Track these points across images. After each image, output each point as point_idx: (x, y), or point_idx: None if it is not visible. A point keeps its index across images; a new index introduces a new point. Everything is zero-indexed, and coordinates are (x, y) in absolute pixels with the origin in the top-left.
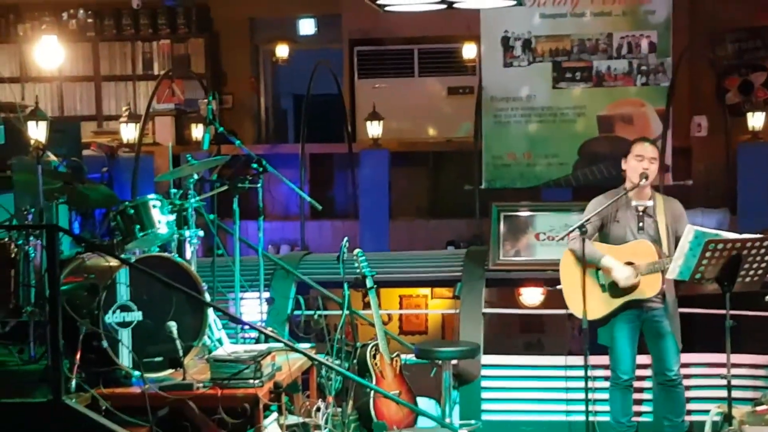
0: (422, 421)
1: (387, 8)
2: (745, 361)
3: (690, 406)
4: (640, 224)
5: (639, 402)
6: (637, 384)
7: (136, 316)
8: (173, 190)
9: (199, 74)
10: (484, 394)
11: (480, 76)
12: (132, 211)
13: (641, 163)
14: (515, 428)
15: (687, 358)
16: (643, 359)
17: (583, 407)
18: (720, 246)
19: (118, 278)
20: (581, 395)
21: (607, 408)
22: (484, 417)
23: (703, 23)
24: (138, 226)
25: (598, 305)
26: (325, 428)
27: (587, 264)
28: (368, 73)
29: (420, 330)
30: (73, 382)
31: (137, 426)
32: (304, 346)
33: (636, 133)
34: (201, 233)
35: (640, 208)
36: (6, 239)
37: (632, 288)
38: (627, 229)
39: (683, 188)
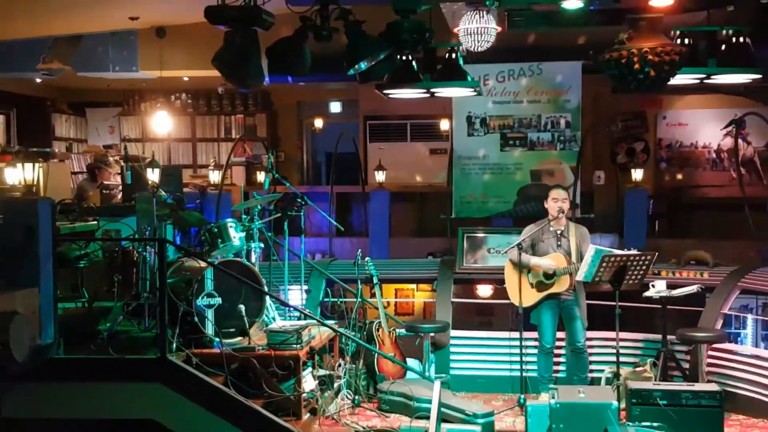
0: (410, 375)
1: (390, 96)
2: (629, 336)
3: (591, 367)
4: (558, 243)
5: (557, 363)
6: (555, 351)
7: (217, 300)
8: (244, 216)
9: (262, 138)
10: (452, 356)
11: (452, 141)
12: (216, 230)
13: (557, 203)
14: (473, 380)
15: (590, 334)
16: (561, 334)
17: (518, 366)
18: (612, 259)
19: (205, 275)
20: (518, 357)
21: (535, 367)
22: (452, 372)
23: (602, 109)
24: (219, 240)
25: (529, 297)
26: (344, 379)
27: (522, 268)
28: (376, 138)
29: (409, 312)
30: (174, 345)
31: (217, 375)
32: (330, 322)
33: (556, 181)
34: (262, 245)
35: (558, 232)
36: (131, 248)
37: (552, 283)
38: (549, 246)
39: (587, 219)
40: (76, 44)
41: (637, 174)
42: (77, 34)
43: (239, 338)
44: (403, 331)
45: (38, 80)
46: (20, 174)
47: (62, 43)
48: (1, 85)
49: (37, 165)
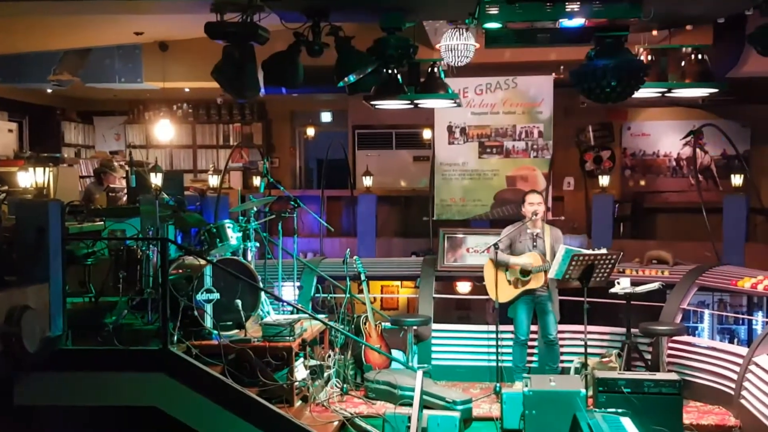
0: (394, 365)
1: (377, 107)
2: (596, 330)
3: (562, 358)
4: (534, 243)
5: (530, 354)
6: (529, 343)
7: (216, 296)
8: (241, 218)
9: (258, 145)
10: (434, 348)
11: (433, 149)
12: (214, 230)
13: (533, 206)
14: (453, 369)
15: (561, 327)
16: (534, 327)
17: (495, 357)
18: (581, 258)
19: (205, 272)
20: (494, 349)
21: (510, 357)
22: (434, 362)
23: (572, 120)
24: (218, 240)
25: (506, 293)
26: (333, 368)
27: (501, 267)
28: (364, 146)
29: (394, 307)
30: (175, 337)
31: (215, 365)
32: (321, 316)
33: (529, 186)
34: (257, 244)
35: (534, 233)
36: (135, 246)
37: (528, 280)
38: (526, 246)
39: (558, 221)
40: (85, 57)
41: (604, 180)
42: (86, 47)
43: (236, 331)
44: (388, 324)
45: (49, 90)
46: (32, 177)
47: (72, 56)
48: (15, 94)
49: (47, 169)
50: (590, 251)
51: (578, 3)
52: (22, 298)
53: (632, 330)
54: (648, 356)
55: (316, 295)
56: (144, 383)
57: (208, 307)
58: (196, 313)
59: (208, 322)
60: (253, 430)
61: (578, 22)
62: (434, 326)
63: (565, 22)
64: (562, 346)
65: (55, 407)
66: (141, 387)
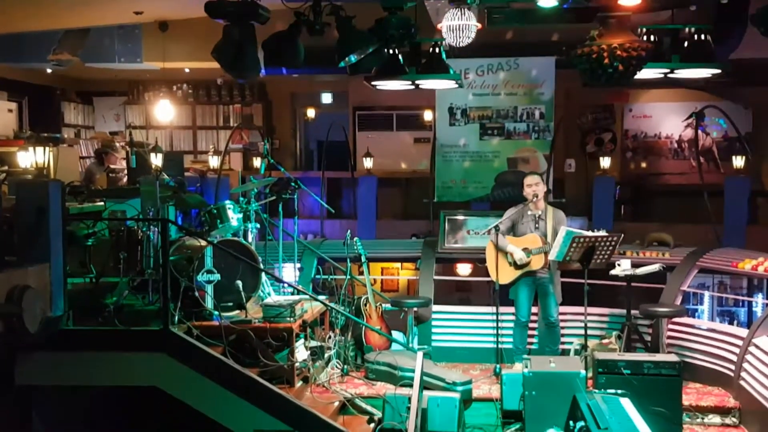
0: (394, 346)
1: (377, 87)
2: (596, 311)
3: (562, 339)
4: (536, 225)
5: (531, 336)
6: (530, 324)
7: (216, 277)
8: (241, 199)
9: (258, 126)
10: (434, 329)
11: (434, 131)
12: (215, 211)
13: (530, 188)
14: (452, 351)
15: (562, 309)
16: (535, 309)
17: (495, 338)
18: (582, 240)
19: (205, 253)
20: (494, 330)
21: (510, 339)
22: (434, 344)
23: (574, 102)
24: (218, 221)
25: (507, 274)
26: (334, 350)
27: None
28: (364, 127)
29: (394, 289)
30: (176, 318)
31: (216, 346)
32: (321, 297)
33: (531, 168)
34: (258, 226)
35: (537, 215)
36: (135, 227)
37: (527, 263)
38: (527, 227)
39: (560, 204)
40: (84, 37)
41: (605, 162)
42: (85, 27)
43: (237, 312)
44: (388, 306)
45: (49, 70)
46: (32, 157)
47: (71, 36)
48: (14, 74)
49: (47, 149)
50: (591, 233)
51: None
52: (22, 278)
53: (632, 312)
54: (648, 338)
55: (317, 276)
56: (145, 363)
57: (209, 288)
58: (196, 293)
59: (209, 303)
60: (254, 411)
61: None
62: (434, 308)
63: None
64: (562, 327)
65: (56, 387)
66: (142, 367)
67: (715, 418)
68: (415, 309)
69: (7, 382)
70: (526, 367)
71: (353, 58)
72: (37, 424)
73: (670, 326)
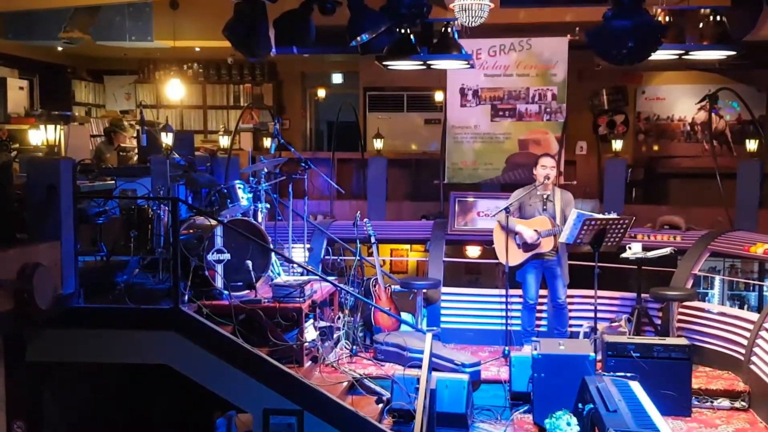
0: (403, 327)
1: (389, 67)
2: (606, 294)
3: (571, 322)
4: (544, 207)
5: (539, 318)
6: (538, 307)
7: (227, 256)
8: (251, 179)
9: (269, 106)
10: (443, 311)
11: (445, 112)
12: (225, 191)
13: (544, 170)
14: (461, 332)
15: (571, 291)
16: (543, 291)
17: (504, 320)
18: (592, 222)
19: (215, 232)
20: (502, 312)
21: (519, 321)
22: (443, 325)
23: (586, 83)
24: (228, 200)
25: (516, 256)
26: (343, 330)
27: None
28: (375, 108)
29: (403, 270)
30: (186, 297)
31: (225, 325)
32: (331, 278)
33: (542, 150)
34: (268, 206)
35: (545, 197)
36: (146, 206)
37: (535, 245)
38: (535, 209)
39: (570, 186)
40: (95, 14)
41: (617, 144)
42: (96, 4)
43: (246, 291)
44: (397, 287)
45: (59, 48)
46: (43, 135)
47: (82, 14)
48: (25, 52)
49: (58, 127)
50: (602, 215)
51: None
52: (34, 255)
53: (642, 295)
54: (658, 321)
55: (326, 257)
56: (155, 341)
57: (219, 268)
58: (206, 273)
59: (219, 283)
60: (263, 390)
61: None
62: (443, 289)
63: None
64: (571, 310)
65: (67, 364)
66: (152, 345)
67: (725, 402)
68: (425, 290)
69: (18, 359)
70: (535, 349)
71: (365, 37)
72: (47, 401)
73: (681, 310)
